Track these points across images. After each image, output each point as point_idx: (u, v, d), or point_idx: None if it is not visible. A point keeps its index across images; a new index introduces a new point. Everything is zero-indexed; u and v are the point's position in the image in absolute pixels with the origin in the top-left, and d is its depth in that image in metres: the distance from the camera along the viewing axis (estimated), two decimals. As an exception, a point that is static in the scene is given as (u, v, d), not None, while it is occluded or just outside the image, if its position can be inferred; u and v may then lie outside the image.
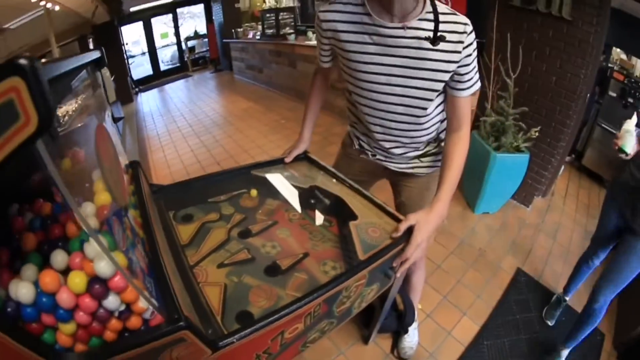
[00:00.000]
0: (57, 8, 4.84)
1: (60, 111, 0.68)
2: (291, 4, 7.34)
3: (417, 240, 0.98)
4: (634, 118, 1.60)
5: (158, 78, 10.30)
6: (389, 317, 1.60)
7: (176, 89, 8.77)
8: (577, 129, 3.34)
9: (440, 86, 1.06)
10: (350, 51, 1.08)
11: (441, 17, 0.97)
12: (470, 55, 1.03)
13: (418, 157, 1.29)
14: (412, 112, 1.11)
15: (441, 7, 0.99)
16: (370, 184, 1.52)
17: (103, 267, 0.58)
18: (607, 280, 1.61)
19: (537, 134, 2.73)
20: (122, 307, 0.62)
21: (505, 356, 1.86)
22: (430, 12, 0.98)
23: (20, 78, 0.36)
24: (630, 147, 1.52)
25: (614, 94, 4.21)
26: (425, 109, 1.10)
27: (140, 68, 10.14)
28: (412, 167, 1.32)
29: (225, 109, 6.34)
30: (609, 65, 4.46)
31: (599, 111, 4.32)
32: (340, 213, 1.14)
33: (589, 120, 4.40)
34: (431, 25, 0.97)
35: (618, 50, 5.13)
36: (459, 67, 1.03)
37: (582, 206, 3.55)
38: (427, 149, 1.29)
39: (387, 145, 1.25)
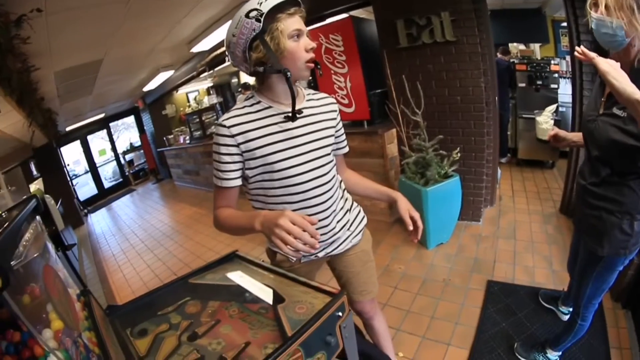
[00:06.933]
0: (-5, 135, 4.73)
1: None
2: (214, 101, 7.37)
3: (405, 202, 1.32)
4: (550, 107, 1.73)
5: (104, 196, 10.14)
6: (370, 376, 1.56)
7: (123, 206, 8.74)
8: (498, 131, 3.50)
9: (331, 144, 1.34)
10: (263, 145, 1.18)
11: (317, 97, 1.36)
12: (340, 120, 1.41)
13: (343, 226, 1.38)
14: (321, 172, 1.27)
15: (311, 91, 1.37)
16: (313, 274, 1.51)
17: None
18: (586, 297, 1.52)
19: (458, 155, 2.83)
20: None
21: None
22: (309, 95, 1.34)
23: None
24: (540, 135, 1.69)
25: (523, 84, 4.53)
26: (328, 164, 1.31)
27: (85, 187, 10.08)
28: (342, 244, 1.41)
29: (172, 219, 6.39)
30: (512, 60, 4.81)
31: (516, 105, 4.62)
32: (271, 299, 1.23)
33: (510, 118, 4.70)
34: (316, 103, 1.32)
35: (515, 44, 5.62)
36: (336, 130, 1.39)
37: (532, 195, 3.70)
38: (345, 216, 1.40)
39: None
